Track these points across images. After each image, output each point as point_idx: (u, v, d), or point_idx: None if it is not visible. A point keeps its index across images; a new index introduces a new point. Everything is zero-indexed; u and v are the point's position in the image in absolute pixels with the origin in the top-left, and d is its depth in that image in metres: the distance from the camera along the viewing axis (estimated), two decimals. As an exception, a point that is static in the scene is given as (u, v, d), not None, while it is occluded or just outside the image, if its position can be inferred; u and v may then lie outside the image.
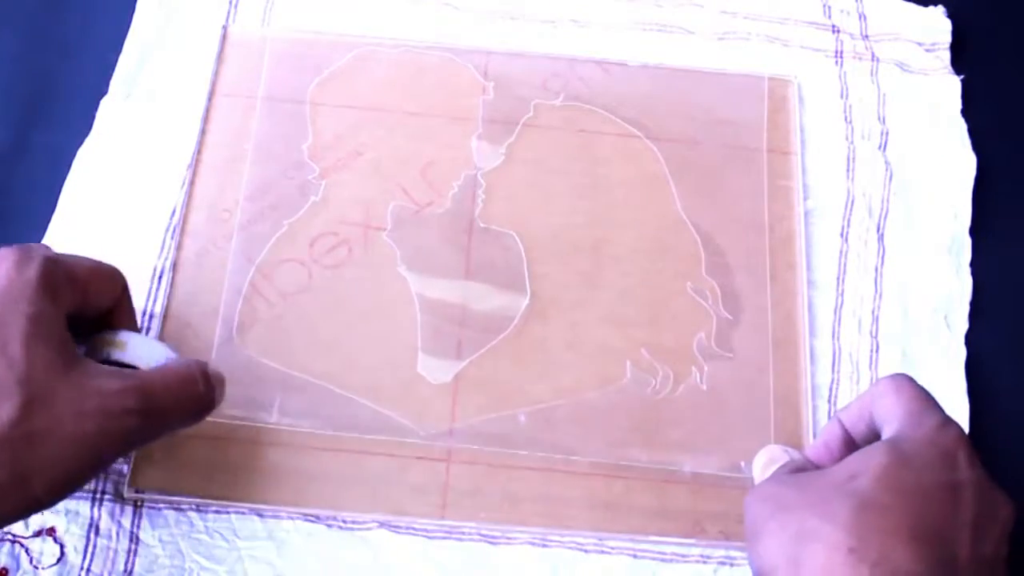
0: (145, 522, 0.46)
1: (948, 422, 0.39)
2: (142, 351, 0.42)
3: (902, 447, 0.37)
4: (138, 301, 0.49)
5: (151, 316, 0.49)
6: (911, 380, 0.41)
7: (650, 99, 0.56)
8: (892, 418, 0.40)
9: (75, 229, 0.51)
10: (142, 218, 0.52)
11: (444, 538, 0.46)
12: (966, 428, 0.49)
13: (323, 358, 0.49)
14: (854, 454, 0.39)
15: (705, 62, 0.58)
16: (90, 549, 0.45)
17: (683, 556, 0.47)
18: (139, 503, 0.46)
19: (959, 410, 0.50)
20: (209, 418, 0.46)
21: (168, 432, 0.42)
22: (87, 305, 0.41)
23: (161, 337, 0.49)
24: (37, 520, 0.45)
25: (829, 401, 0.50)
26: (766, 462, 0.45)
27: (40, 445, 0.36)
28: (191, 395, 0.41)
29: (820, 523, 0.36)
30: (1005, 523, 0.37)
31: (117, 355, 0.42)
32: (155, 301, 0.50)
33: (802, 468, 0.42)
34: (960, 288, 0.53)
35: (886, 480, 0.36)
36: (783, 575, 0.36)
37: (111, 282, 0.42)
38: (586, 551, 0.46)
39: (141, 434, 0.40)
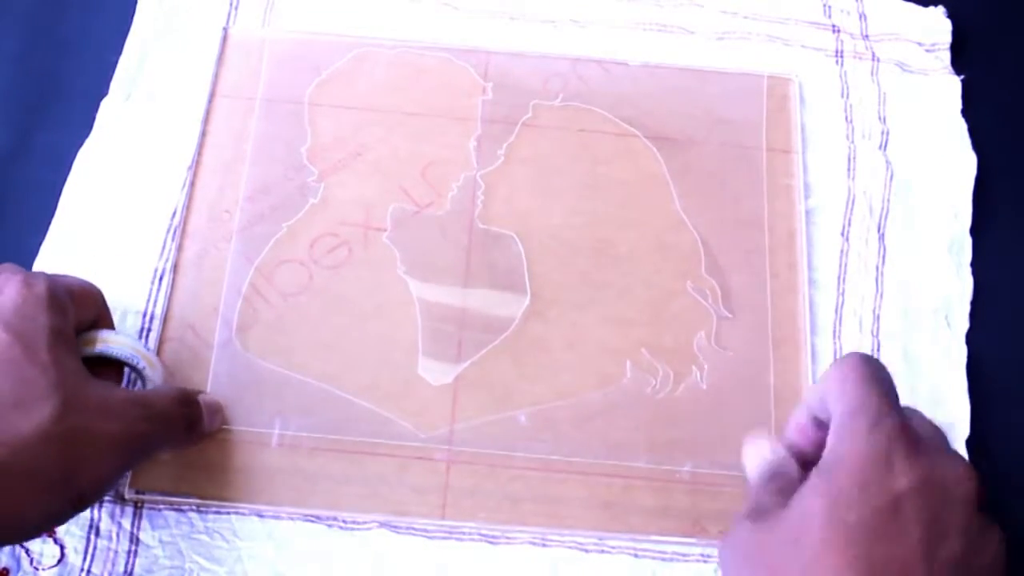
0: (145, 523, 0.45)
1: (878, 423, 0.35)
2: (125, 341, 0.44)
3: (833, 479, 0.35)
4: (138, 302, 0.50)
5: (152, 317, 0.49)
6: (856, 366, 0.37)
7: (650, 98, 0.56)
8: (833, 415, 0.37)
9: (76, 230, 0.51)
10: (143, 219, 0.51)
11: (444, 538, 0.46)
12: (966, 428, 0.49)
13: (323, 359, 0.49)
14: (795, 499, 0.36)
15: (705, 61, 0.57)
16: (90, 550, 0.45)
17: (683, 555, 0.47)
18: (139, 504, 0.46)
19: (960, 410, 0.50)
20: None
21: (166, 448, 0.45)
22: (80, 320, 0.42)
23: (161, 339, 0.49)
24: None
25: (830, 401, 0.50)
26: (754, 459, 0.43)
27: (80, 442, 0.38)
28: (182, 414, 0.44)
29: None
30: (966, 500, 0.34)
31: (100, 349, 0.43)
32: (155, 303, 0.50)
33: (782, 469, 0.41)
34: (961, 288, 0.52)
35: (825, 531, 0.34)
36: None
37: (95, 298, 0.44)
38: (586, 551, 0.46)
39: (151, 441, 0.42)
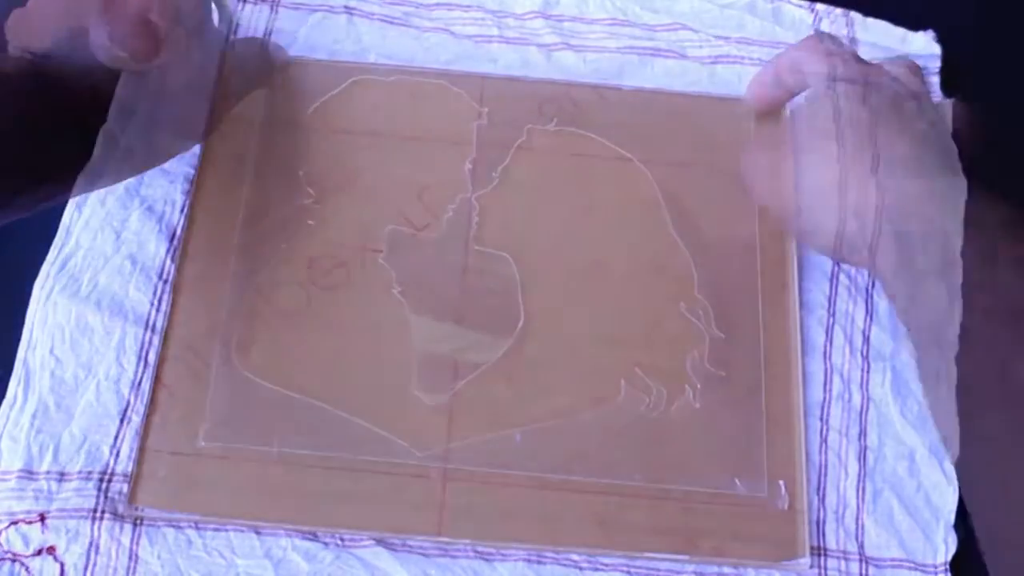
0: (144, 540, 0.46)
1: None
2: None
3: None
4: (138, 322, 0.50)
5: (151, 336, 0.50)
6: (820, 40, 0.50)
7: (643, 123, 0.56)
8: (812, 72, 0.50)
9: (76, 251, 0.52)
10: (143, 240, 0.52)
11: (440, 556, 0.47)
12: (956, 452, 0.49)
13: (320, 379, 0.49)
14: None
15: (698, 86, 0.58)
16: (90, 568, 0.45)
17: (676, 572, 0.47)
18: (138, 520, 0.46)
19: (950, 430, 0.49)
20: (208, 440, 0.48)
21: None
22: None
23: (161, 358, 0.49)
24: (38, 539, 0.46)
25: (820, 419, 0.50)
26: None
27: None
28: None
29: None
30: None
31: None
32: (155, 322, 0.50)
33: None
34: (950, 310, 0.53)
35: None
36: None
37: None
38: (580, 568, 0.47)
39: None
